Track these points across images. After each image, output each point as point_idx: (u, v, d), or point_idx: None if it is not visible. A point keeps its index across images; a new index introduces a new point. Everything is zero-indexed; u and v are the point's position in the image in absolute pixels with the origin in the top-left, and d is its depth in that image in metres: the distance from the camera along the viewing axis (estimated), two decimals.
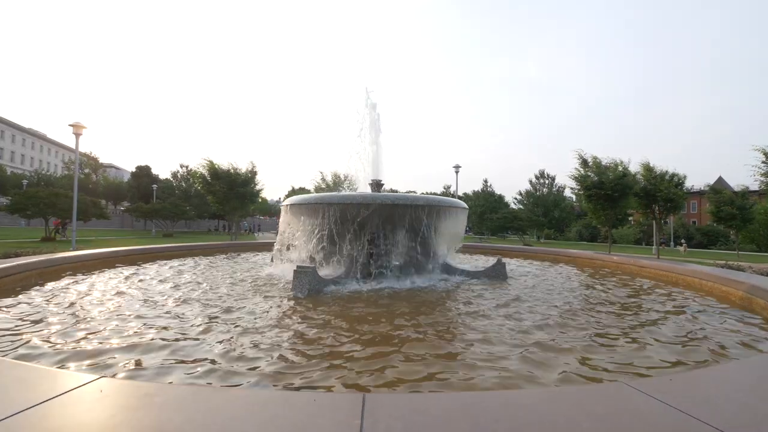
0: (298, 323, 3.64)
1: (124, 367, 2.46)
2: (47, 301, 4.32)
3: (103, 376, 1.73)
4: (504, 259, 7.22)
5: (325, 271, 6.21)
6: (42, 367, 1.93)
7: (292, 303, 4.53)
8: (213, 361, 2.59)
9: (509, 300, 4.92)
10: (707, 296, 5.56)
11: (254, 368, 2.49)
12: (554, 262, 10.56)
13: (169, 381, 2.23)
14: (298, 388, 2.12)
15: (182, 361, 2.58)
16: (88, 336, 3.10)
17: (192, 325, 3.46)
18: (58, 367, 2.33)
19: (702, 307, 4.77)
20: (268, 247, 11.03)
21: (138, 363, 2.53)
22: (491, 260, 9.99)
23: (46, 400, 1.51)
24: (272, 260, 8.29)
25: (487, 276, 6.74)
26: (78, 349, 2.78)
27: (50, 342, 2.94)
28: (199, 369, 2.44)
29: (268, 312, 4.03)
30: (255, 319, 3.73)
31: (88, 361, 2.54)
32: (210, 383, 2.24)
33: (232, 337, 3.11)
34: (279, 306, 4.35)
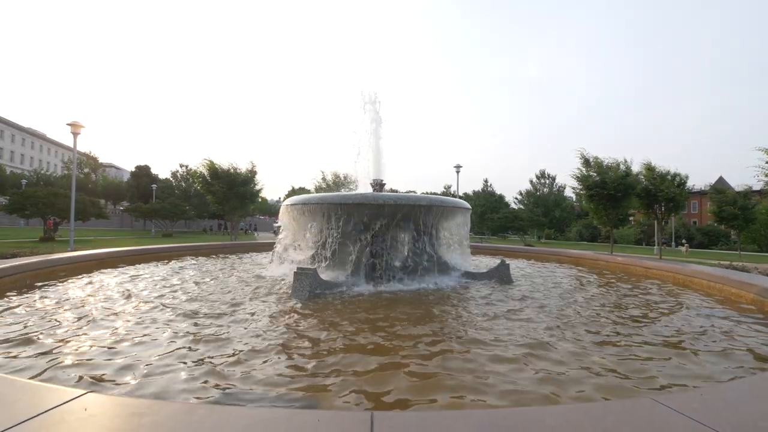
0: (298, 330, 3.49)
1: (113, 380, 2.30)
2: (37, 305, 4.17)
3: (89, 392, 1.59)
4: (506, 260, 7.09)
5: (326, 273, 6.07)
6: (23, 381, 1.79)
7: (291, 307, 4.39)
8: (206, 374, 2.43)
9: (517, 304, 4.79)
10: (717, 298, 5.44)
11: (251, 381, 2.34)
12: (557, 262, 10.44)
13: (160, 397, 2.08)
14: (300, 406, 1.98)
15: (174, 374, 2.41)
16: (76, 344, 2.94)
17: (185, 333, 3.29)
18: (42, 381, 2.18)
19: (716, 310, 4.64)
20: (268, 247, 10.90)
21: (127, 375, 2.37)
22: (492, 260, 9.88)
23: (25, 421, 1.38)
24: (272, 261, 8.16)
25: (492, 278, 6.61)
26: (64, 359, 2.62)
27: (36, 350, 2.78)
28: (192, 383, 2.29)
29: (266, 318, 3.87)
30: (252, 326, 3.57)
31: (74, 374, 2.38)
32: (202, 398, 2.10)
33: (227, 347, 2.95)
34: (278, 311, 4.20)
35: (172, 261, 8.86)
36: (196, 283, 5.83)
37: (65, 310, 3.99)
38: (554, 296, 5.38)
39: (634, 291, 5.95)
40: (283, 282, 5.95)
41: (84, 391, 1.58)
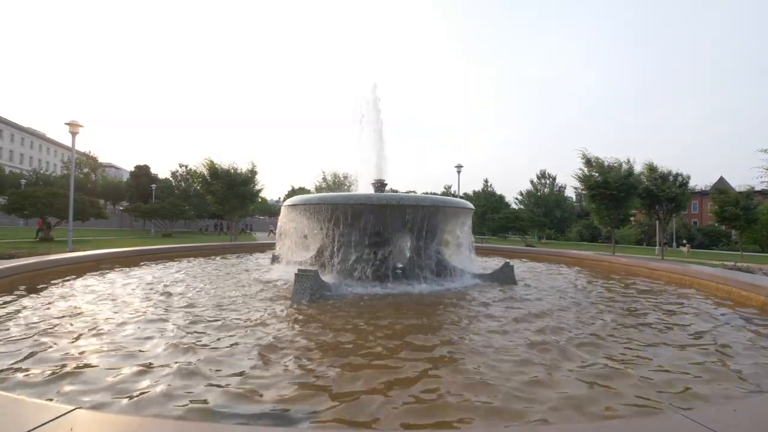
0: (298, 337, 3.35)
1: (103, 394, 2.16)
2: (27, 310, 4.01)
3: (76, 408, 1.48)
4: (510, 262, 6.98)
5: (328, 275, 5.97)
6: (6, 395, 1.68)
7: (292, 311, 4.27)
8: (201, 386, 2.29)
9: (524, 307, 4.67)
10: (727, 301, 5.33)
11: (248, 395, 2.20)
12: (559, 263, 10.33)
13: (153, 413, 1.95)
14: (302, 425, 1.86)
15: (167, 387, 2.27)
16: (65, 353, 2.79)
17: (180, 340, 3.14)
18: (28, 395, 2.06)
19: (732, 315, 4.51)
20: (268, 247, 10.79)
21: (118, 388, 2.23)
22: (494, 261, 9.77)
23: None
24: (272, 263, 8.06)
25: (496, 280, 6.50)
26: (52, 370, 2.47)
27: (24, 360, 2.64)
28: (185, 397, 2.16)
29: (265, 323, 3.73)
30: (250, 332, 3.42)
31: (62, 386, 2.24)
32: (195, 413, 1.98)
33: (223, 357, 2.79)
34: (278, 315, 4.07)
35: (171, 262, 8.76)
36: (194, 286, 5.72)
37: (56, 315, 3.83)
38: (561, 298, 5.27)
39: (644, 294, 5.84)
40: (283, 284, 5.84)
41: (71, 408, 1.46)
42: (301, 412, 2.03)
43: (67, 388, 2.24)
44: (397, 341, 3.25)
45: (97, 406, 1.98)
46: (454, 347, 3.15)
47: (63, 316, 3.78)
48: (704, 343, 3.42)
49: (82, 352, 2.83)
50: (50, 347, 2.92)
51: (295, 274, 4.96)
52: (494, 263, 8.86)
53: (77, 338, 3.15)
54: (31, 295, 4.71)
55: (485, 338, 3.39)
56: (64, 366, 2.56)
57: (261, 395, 2.22)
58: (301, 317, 4.01)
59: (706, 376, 2.64)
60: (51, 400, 2.03)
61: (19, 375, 2.41)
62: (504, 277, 6.54)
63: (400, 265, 6.20)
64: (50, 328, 3.38)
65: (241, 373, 2.52)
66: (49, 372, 2.45)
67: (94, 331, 3.34)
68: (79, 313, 3.92)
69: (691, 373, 2.70)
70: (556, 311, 4.48)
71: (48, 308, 4.09)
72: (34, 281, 5.59)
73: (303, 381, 2.43)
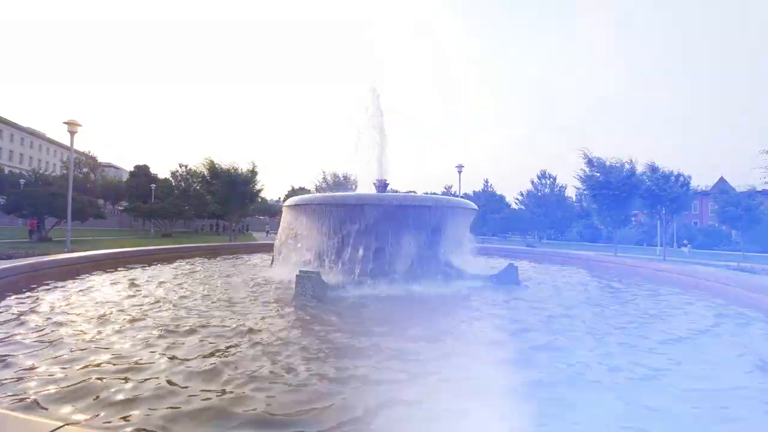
0: (300, 340, 3.26)
1: (95, 407, 2.05)
2: (21, 314, 3.88)
3: (67, 424, 1.39)
4: (512, 262, 6.90)
5: (329, 276, 5.88)
6: None
7: (293, 313, 4.18)
8: (198, 395, 2.20)
9: (531, 309, 4.61)
10: (735, 304, 5.25)
11: (242, 408, 2.08)
12: (562, 264, 10.27)
13: (145, 426, 1.85)
14: None
15: (161, 396, 2.18)
16: (55, 363, 2.65)
17: (175, 347, 3.02)
18: (13, 408, 1.95)
19: (744, 318, 4.44)
20: (268, 248, 10.70)
21: (111, 402, 2.11)
22: (495, 261, 9.70)
23: None
24: (273, 263, 7.98)
25: (500, 281, 6.42)
26: (41, 382, 2.35)
27: (11, 370, 2.53)
28: (180, 406, 2.06)
29: (265, 326, 3.64)
30: (250, 336, 3.32)
31: (52, 400, 2.12)
32: (190, 423, 1.89)
33: (216, 364, 2.67)
34: (279, 317, 3.98)
35: (171, 262, 8.66)
36: (194, 287, 5.62)
37: (51, 318, 3.72)
38: (567, 299, 5.19)
39: (652, 296, 5.75)
40: (284, 285, 5.75)
41: (60, 424, 1.37)
42: (304, 424, 1.95)
43: (57, 398, 2.13)
44: (400, 345, 3.14)
45: (87, 420, 1.88)
46: (463, 352, 3.06)
47: (57, 320, 3.68)
48: (727, 347, 3.33)
49: (74, 359, 2.72)
50: (43, 353, 2.82)
51: (297, 275, 4.88)
52: (496, 264, 8.78)
53: (70, 344, 3.05)
54: (27, 297, 4.60)
55: (494, 342, 3.31)
56: (55, 374, 2.46)
57: (261, 402, 2.13)
58: (303, 319, 3.93)
59: (738, 391, 2.49)
60: (38, 411, 1.93)
61: (7, 384, 2.31)
62: (508, 278, 6.47)
63: (404, 266, 6.11)
64: (43, 333, 3.28)
65: (240, 379, 2.43)
66: (37, 381, 2.35)
67: (89, 336, 3.23)
68: (74, 317, 3.82)
69: (720, 380, 2.60)
70: (564, 313, 4.41)
71: (43, 311, 3.99)
72: (32, 282, 5.49)
73: (305, 388, 2.34)
